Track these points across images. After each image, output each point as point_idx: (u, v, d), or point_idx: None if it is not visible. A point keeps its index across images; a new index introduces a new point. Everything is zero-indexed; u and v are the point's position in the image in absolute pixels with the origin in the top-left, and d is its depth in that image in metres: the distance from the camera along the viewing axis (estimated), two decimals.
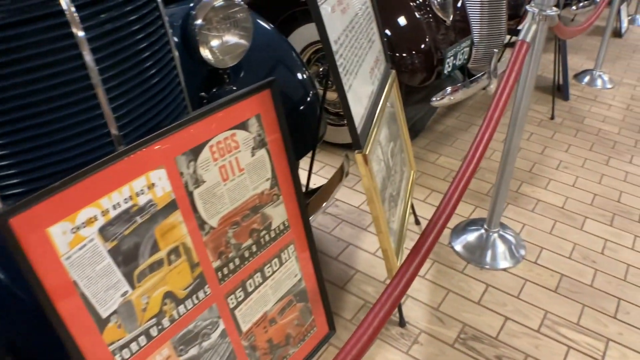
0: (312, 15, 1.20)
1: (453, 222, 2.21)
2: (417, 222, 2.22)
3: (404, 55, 2.21)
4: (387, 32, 2.20)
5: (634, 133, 2.98)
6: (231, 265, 1.35)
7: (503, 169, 1.92)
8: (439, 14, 2.34)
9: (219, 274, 1.33)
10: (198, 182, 1.24)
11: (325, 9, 1.24)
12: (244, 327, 1.43)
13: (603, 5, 2.97)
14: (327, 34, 1.21)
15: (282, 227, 1.47)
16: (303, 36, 2.48)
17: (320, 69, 2.49)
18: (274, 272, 1.48)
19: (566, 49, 3.45)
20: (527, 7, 1.60)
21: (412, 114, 2.71)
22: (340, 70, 1.28)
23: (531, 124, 3.10)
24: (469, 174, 1.39)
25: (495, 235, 2.08)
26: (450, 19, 2.38)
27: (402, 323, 1.79)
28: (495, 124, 1.48)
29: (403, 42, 2.23)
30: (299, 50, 2.55)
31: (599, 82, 3.63)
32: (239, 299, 1.39)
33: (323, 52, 2.48)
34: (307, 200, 1.64)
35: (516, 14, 3.06)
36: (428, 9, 2.31)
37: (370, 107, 1.52)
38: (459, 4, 2.46)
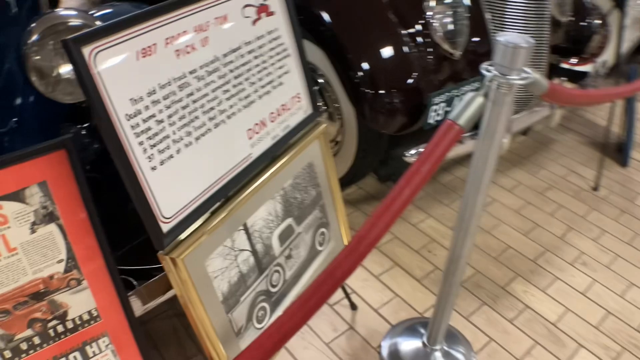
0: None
1: (404, 314, 1.79)
2: (353, 307, 1.83)
3: (379, 93, 1.80)
4: (363, 64, 1.80)
5: None
6: None
7: (446, 278, 1.47)
8: (443, 45, 1.87)
9: None
10: None
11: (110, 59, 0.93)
12: None
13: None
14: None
15: (86, 317, 1.20)
16: None
17: None
18: None
19: (634, 101, 2.71)
20: (481, 66, 1.14)
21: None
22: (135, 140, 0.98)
23: (565, 191, 2.47)
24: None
25: (438, 353, 1.62)
26: (460, 52, 1.90)
27: None
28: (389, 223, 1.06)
29: (378, 77, 1.81)
30: None
31: None
32: None
33: None
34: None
35: (577, 49, 2.41)
36: (427, 39, 1.85)
37: (222, 185, 1.18)
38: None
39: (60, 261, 1.14)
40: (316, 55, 1.97)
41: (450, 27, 1.91)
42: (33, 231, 1.10)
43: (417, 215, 2.25)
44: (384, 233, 1.07)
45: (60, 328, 1.18)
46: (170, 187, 1.08)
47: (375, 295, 1.88)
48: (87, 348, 1.23)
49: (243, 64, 1.23)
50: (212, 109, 1.16)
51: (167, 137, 1.06)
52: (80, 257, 1.16)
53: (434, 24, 1.88)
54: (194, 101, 1.11)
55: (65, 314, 1.18)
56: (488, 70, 1.11)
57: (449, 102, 1.89)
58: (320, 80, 2.03)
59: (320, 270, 1.57)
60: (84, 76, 0.90)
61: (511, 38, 1.07)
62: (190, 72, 1.10)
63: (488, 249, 2.10)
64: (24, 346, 1.15)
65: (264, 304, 1.36)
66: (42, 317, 1.15)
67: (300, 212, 1.47)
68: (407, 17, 1.88)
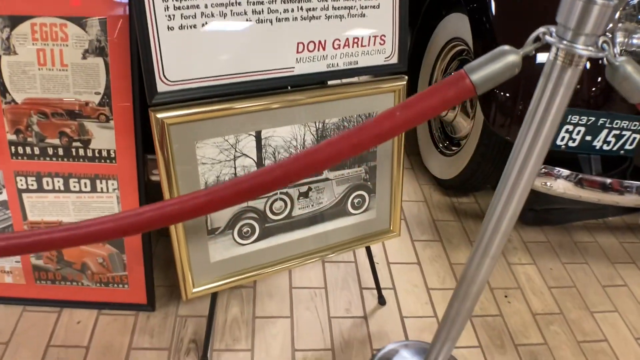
0: None
1: (428, 336, 1.53)
2: (381, 301, 1.63)
3: (508, 95, 1.55)
4: None
5: None
6: (28, 150, 1.32)
7: (454, 299, 1.20)
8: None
9: (12, 148, 1.32)
10: (9, 50, 1.23)
11: None
12: (31, 216, 1.39)
13: None
14: None
15: (104, 154, 1.34)
16: (447, 30, 1.99)
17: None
18: (80, 192, 1.37)
19: None
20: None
21: None
22: None
23: None
24: None
25: None
26: None
27: None
28: None
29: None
30: (438, 49, 2.06)
31: None
32: (30, 187, 1.36)
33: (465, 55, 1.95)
34: None
35: None
36: None
37: (242, 80, 1.17)
38: None
39: (97, 93, 1.28)
40: (466, 33, 1.78)
41: (635, 43, 1.51)
42: (84, 57, 1.25)
43: (521, 257, 1.87)
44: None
45: (81, 152, 1.33)
46: (184, 53, 1.10)
47: (413, 304, 1.65)
48: (97, 182, 1.36)
49: None
50: (261, 3, 1.14)
51: (196, 6, 1.08)
52: (115, 98, 1.28)
53: (614, 40, 1.51)
54: None
55: (89, 141, 1.32)
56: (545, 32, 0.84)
57: (592, 130, 1.51)
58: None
59: (346, 233, 1.46)
60: None
61: None
62: None
63: (577, 329, 1.64)
64: (50, 151, 1.33)
65: (253, 222, 1.31)
66: (70, 134, 1.31)
67: None
68: None
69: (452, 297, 1.21)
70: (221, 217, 1.27)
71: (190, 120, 1.14)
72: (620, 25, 1.59)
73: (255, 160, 1.26)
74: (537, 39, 0.86)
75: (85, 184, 1.37)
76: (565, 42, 0.82)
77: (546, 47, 0.85)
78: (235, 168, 1.23)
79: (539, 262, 1.87)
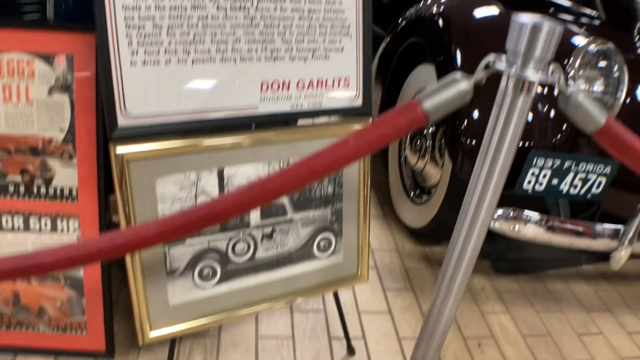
0: None
1: None
2: (350, 350, 1.57)
3: (477, 144, 1.58)
4: (474, 112, 1.60)
5: None
6: None
7: (421, 338, 1.17)
8: None
9: None
10: None
11: None
12: None
13: None
14: None
15: (66, 192, 1.31)
16: (416, 82, 2.05)
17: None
18: (40, 230, 1.33)
19: None
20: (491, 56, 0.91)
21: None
22: None
23: None
24: None
25: None
26: None
27: None
28: None
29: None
30: (409, 98, 2.11)
31: None
32: None
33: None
34: None
35: None
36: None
37: (206, 118, 1.18)
38: None
39: (62, 130, 1.28)
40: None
41: (598, 96, 1.56)
42: (50, 94, 1.25)
43: (494, 306, 1.84)
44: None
45: (43, 189, 1.31)
46: (146, 88, 1.11)
47: (384, 354, 1.59)
48: (58, 221, 1.34)
49: (282, 18, 1.21)
50: (224, 42, 1.17)
51: (160, 42, 1.10)
52: (79, 135, 1.28)
53: (575, 81, 1.56)
54: (205, 26, 1.14)
55: (51, 179, 1.30)
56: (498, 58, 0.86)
57: (558, 173, 1.53)
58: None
59: (313, 278, 1.43)
60: None
61: (531, 17, 0.82)
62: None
63: None
64: (11, 188, 1.30)
65: (214, 263, 1.28)
66: (32, 171, 1.29)
67: (304, 200, 1.35)
68: None
69: (418, 339, 1.17)
70: (181, 257, 1.24)
71: (150, 156, 1.14)
72: (581, 72, 1.65)
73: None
74: (487, 66, 0.88)
75: (45, 223, 1.34)
76: (515, 67, 0.85)
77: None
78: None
79: (513, 310, 1.84)
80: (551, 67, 0.87)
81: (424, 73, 1.97)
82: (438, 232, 1.95)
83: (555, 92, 0.91)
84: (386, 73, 2.26)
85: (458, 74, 0.87)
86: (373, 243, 2.05)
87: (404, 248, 2.04)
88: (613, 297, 2.01)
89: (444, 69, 1.75)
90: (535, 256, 2.00)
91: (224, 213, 0.88)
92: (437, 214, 1.85)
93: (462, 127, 1.63)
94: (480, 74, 0.86)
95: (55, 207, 1.33)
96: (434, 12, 1.87)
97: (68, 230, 1.34)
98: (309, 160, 0.87)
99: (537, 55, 0.83)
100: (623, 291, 2.06)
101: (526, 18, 0.83)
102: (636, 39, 1.82)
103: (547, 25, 0.81)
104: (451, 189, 1.78)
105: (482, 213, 1.00)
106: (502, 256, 1.98)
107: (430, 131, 1.96)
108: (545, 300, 1.92)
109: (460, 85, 0.86)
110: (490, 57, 0.87)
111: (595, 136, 0.93)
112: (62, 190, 1.31)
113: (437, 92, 0.86)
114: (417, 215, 2.00)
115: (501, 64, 0.86)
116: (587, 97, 0.91)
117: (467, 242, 1.04)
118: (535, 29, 0.81)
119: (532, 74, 0.84)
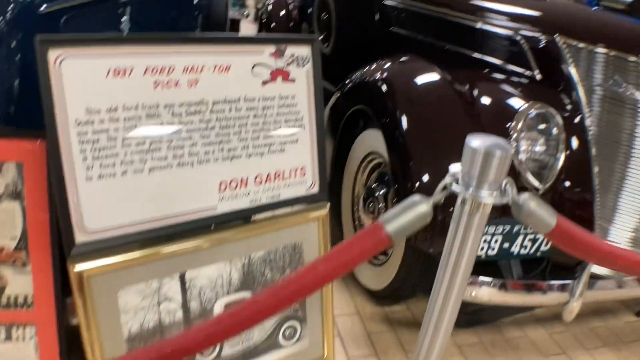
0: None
1: None
2: None
3: None
4: (424, 176, 1.65)
5: None
6: None
7: None
8: (524, 174, 1.63)
9: None
10: None
11: None
12: None
13: None
14: None
15: (20, 300, 1.27)
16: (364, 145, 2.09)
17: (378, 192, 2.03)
18: None
19: None
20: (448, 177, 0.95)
21: None
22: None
23: None
24: None
25: None
26: (545, 186, 1.64)
27: None
28: None
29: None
30: (357, 162, 2.15)
31: None
32: None
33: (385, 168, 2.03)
34: None
35: None
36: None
37: (165, 225, 1.17)
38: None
39: (13, 238, 1.24)
40: (382, 147, 1.87)
41: (539, 156, 1.65)
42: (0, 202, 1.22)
43: (452, 354, 1.89)
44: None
45: None
46: (103, 201, 1.10)
47: None
48: (13, 330, 1.29)
49: (237, 117, 1.23)
50: (181, 147, 1.17)
51: (115, 155, 1.09)
52: (32, 242, 1.24)
53: (519, 149, 1.65)
54: (161, 133, 1.14)
55: (3, 288, 1.26)
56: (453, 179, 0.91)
57: (509, 238, 1.60)
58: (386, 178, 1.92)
59: None
60: (42, 71, 0.99)
61: (486, 141, 0.87)
62: (166, 106, 1.13)
63: None
64: None
65: None
66: None
67: None
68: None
69: None
70: None
71: (111, 269, 1.12)
72: (522, 135, 1.74)
73: (181, 303, 1.23)
74: (445, 187, 0.93)
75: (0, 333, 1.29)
76: (470, 189, 0.90)
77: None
78: (159, 313, 1.20)
79: None
80: (504, 182, 0.92)
81: (372, 137, 2.02)
82: (399, 292, 1.99)
83: (510, 203, 0.96)
84: (337, 126, 2.29)
85: (417, 197, 0.90)
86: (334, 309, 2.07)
87: (365, 311, 2.06)
88: (567, 338, 2.11)
89: (391, 135, 1.79)
90: (490, 306, 2.07)
91: (196, 347, 0.88)
92: (396, 276, 1.89)
93: (413, 190, 1.68)
94: (438, 195, 0.91)
95: (9, 316, 1.28)
96: (377, 78, 1.92)
97: (24, 338, 1.29)
98: (279, 288, 0.88)
99: (490, 178, 0.88)
100: (577, 331, 2.16)
101: (478, 142, 0.88)
102: (572, 98, 1.94)
103: (499, 152, 0.86)
104: (408, 248, 1.83)
105: (450, 304, 1.05)
106: (460, 310, 2.04)
107: (381, 193, 2.00)
108: (503, 351, 1.99)
109: (419, 208, 0.89)
110: (447, 179, 0.91)
111: (547, 236, 0.99)
112: (16, 299, 1.27)
113: (397, 215, 0.89)
114: (376, 276, 2.03)
115: (457, 187, 0.90)
116: (538, 203, 0.96)
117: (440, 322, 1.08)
118: (488, 155, 0.86)
119: (487, 196, 0.89)
